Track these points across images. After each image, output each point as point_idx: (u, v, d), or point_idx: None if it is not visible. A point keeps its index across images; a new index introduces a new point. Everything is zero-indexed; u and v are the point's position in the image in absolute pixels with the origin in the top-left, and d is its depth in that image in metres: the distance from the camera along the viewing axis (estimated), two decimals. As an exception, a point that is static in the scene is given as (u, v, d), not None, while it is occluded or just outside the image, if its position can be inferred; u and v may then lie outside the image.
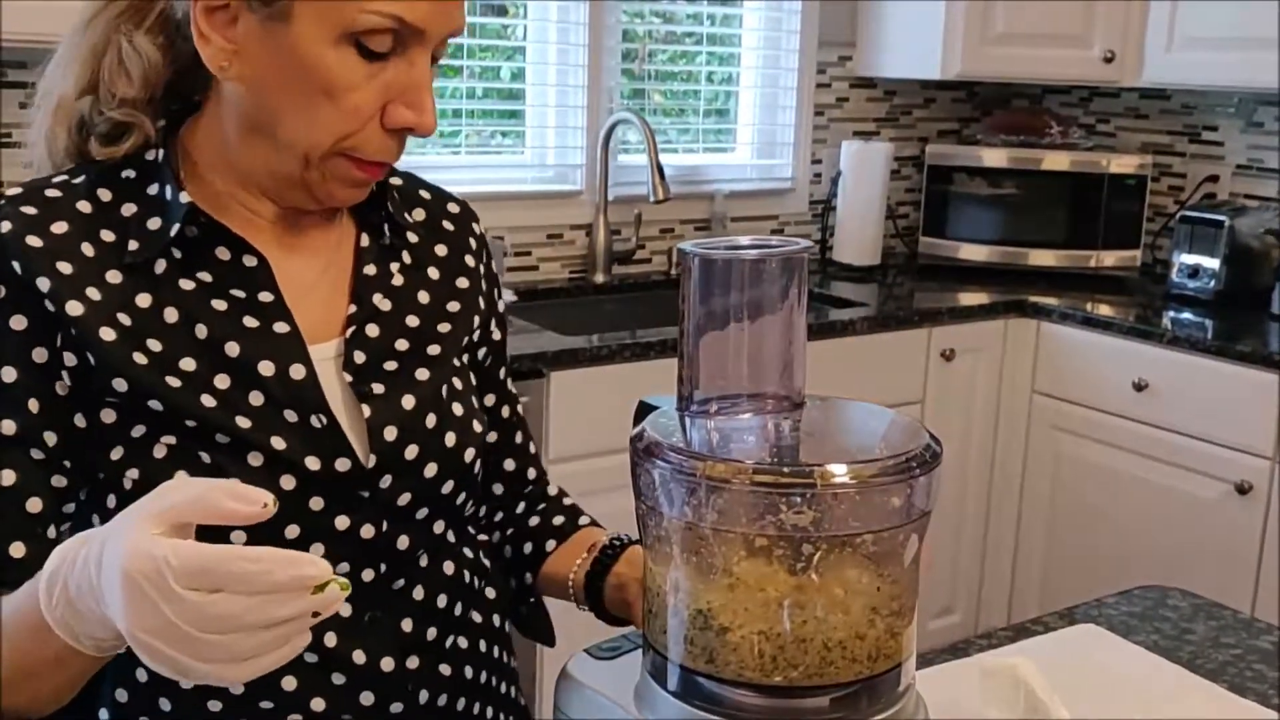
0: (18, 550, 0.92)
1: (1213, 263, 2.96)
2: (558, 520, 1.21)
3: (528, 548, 1.20)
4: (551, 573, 1.17)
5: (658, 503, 0.83)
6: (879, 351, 2.83)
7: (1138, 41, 3.06)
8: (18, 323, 0.92)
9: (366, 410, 0.99)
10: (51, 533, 0.94)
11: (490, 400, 1.17)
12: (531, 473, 1.23)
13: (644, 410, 0.94)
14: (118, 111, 0.97)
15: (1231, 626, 1.30)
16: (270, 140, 0.94)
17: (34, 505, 0.92)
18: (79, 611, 0.75)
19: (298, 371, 0.97)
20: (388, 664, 1.00)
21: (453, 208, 1.16)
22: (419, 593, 1.03)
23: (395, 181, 1.12)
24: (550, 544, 1.19)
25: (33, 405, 0.92)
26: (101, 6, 0.98)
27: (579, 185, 3.07)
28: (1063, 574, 3.02)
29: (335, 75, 0.90)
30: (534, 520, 1.21)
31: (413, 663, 1.02)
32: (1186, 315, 2.90)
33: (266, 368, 0.96)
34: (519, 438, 1.22)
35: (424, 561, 1.04)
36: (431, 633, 1.04)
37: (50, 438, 0.93)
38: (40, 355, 0.92)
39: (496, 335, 1.17)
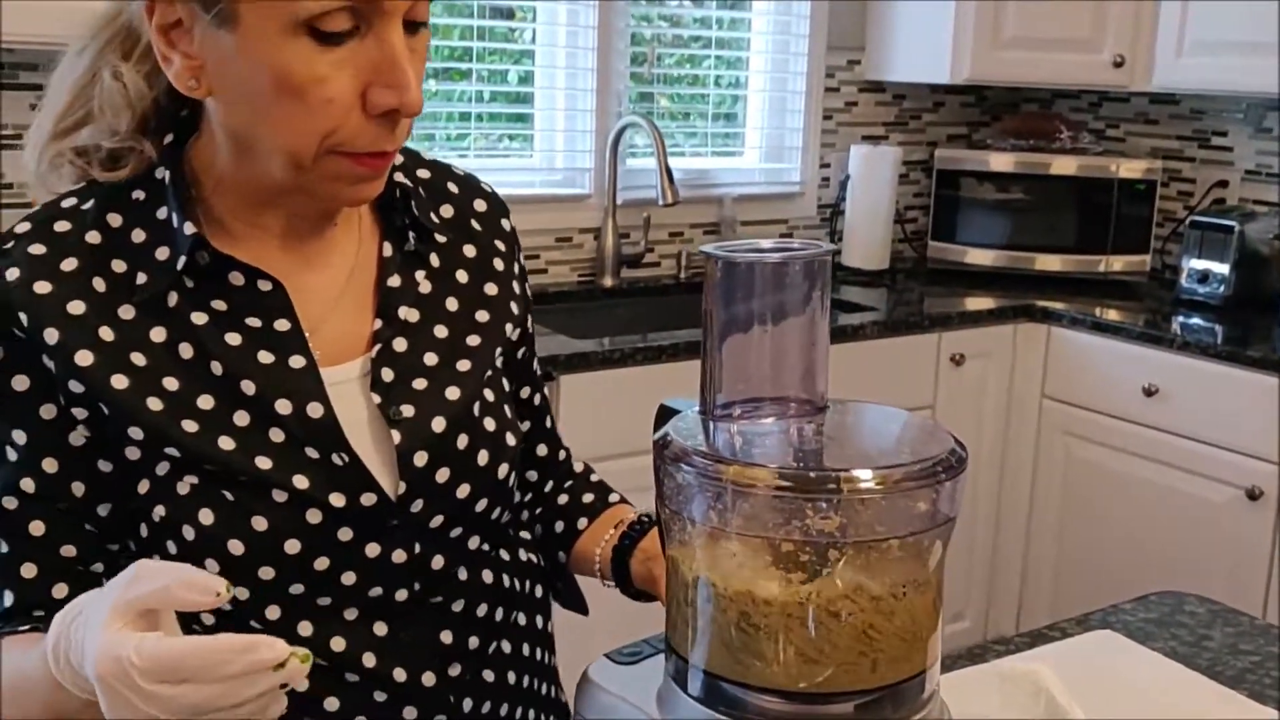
0: (60, 591, 0.92)
1: (1222, 268, 2.95)
2: (587, 498, 1.19)
3: (559, 526, 1.18)
4: (581, 550, 1.15)
5: (682, 507, 0.82)
6: (889, 356, 2.83)
7: (1147, 46, 3.06)
8: (20, 383, 0.91)
9: (396, 436, 0.96)
10: (98, 568, 0.94)
11: (525, 392, 1.15)
12: (561, 454, 1.22)
13: (665, 414, 0.94)
14: (111, 141, 0.95)
15: (1249, 633, 1.29)
16: (256, 152, 0.90)
17: (68, 550, 0.93)
18: (80, 683, 0.76)
19: (315, 410, 0.94)
20: (429, 679, 0.99)
21: (480, 205, 1.11)
22: (458, 605, 1.02)
23: (423, 175, 1.08)
24: (582, 522, 1.17)
25: (48, 465, 0.91)
26: (89, 39, 0.96)
27: (587, 189, 3.06)
28: (1073, 579, 3.01)
29: (296, 71, 0.84)
30: (563, 499, 1.19)
31: (454, 670, 1.01)
32: (1196, 320, 2.90)
33: (284, 406, 0.93)
34: (547, 421, 1.20)
35: (462, 575, 1.03)
36: (473, 641, 1.03)
37: (78, 488, 0.92)
38: (49, 412, 0.91)
39: (530, 328, 1.14)
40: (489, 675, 1.04)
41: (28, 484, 0.91)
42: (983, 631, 3.17)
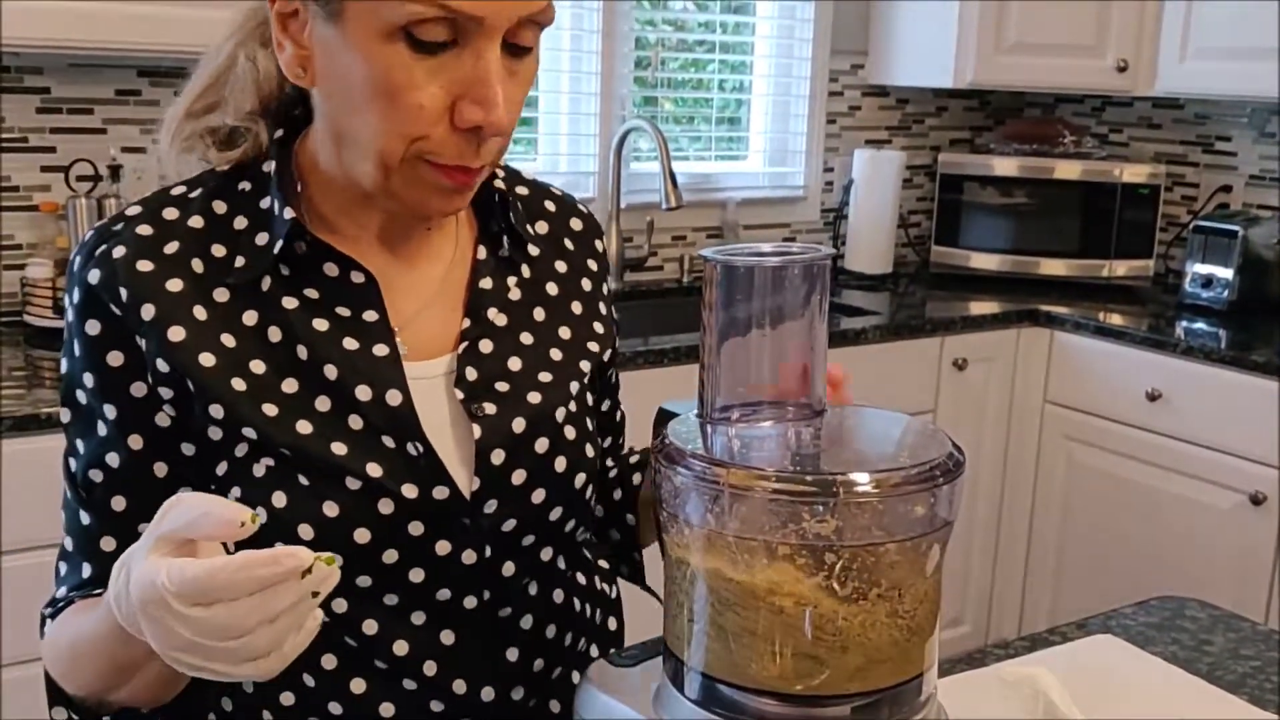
0: None
1: (1226, 273, 2.95)
2: (633, 459, 1.18)
3: (618, 494, 1.17)
4: (643, 499, 1.14)
5: (679, 510, 0.82)
6: (891, 360, 2.83)
7: (1151, 51, 3.06)
8: (114, 359, 0.92)
9: (477, 431, 0.97)
10: None
11: (606, 405, 1.17)
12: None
13: (664, 417, 0.94)
14: (234, 119, 0.98)
15: (1250, 638, 1.29)
16: (350, 149, 0.91)
17: (145, 529, 0.93)
18: (134, 624, 0.76)
19: (394, 397, 0.95)
20: (488, 694, 0.99)
21: (575, 224, 1.12)
22: (527, 622, 1.01)
23: (521, 191, 1.09)
24: (636, 477, 1.16)
25: (134, 442, 0.93)
26: (235, 28, 0.99)
27: (591, 192, 3.07)
28: (1075, 584, 3.01)
29: (390, 73, 0.85)
30: (613, 472, 1.18)
31: (517, 694, 1.01)
32: (1200, 325, 2.90)
33: (364, 392, 0.94)
34: (622, 439, 1.22)
35: (533, 590, 1.02)
36: (539, 664, 1.02)
37: (160, 468, 0.94)
38: (139, 390, 0.93)
39: (607, 358, 1.14)
40: (555, 706, 1.03)
41: (113, 459, 0.93)
42: (984, 636, 3.17)
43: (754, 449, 0.88)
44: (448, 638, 0.97)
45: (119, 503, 0.94)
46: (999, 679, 1.08)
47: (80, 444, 0.95)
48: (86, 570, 0.95)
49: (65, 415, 0.96)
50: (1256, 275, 2.96)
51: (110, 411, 0.93)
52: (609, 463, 1.19)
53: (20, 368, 2.09)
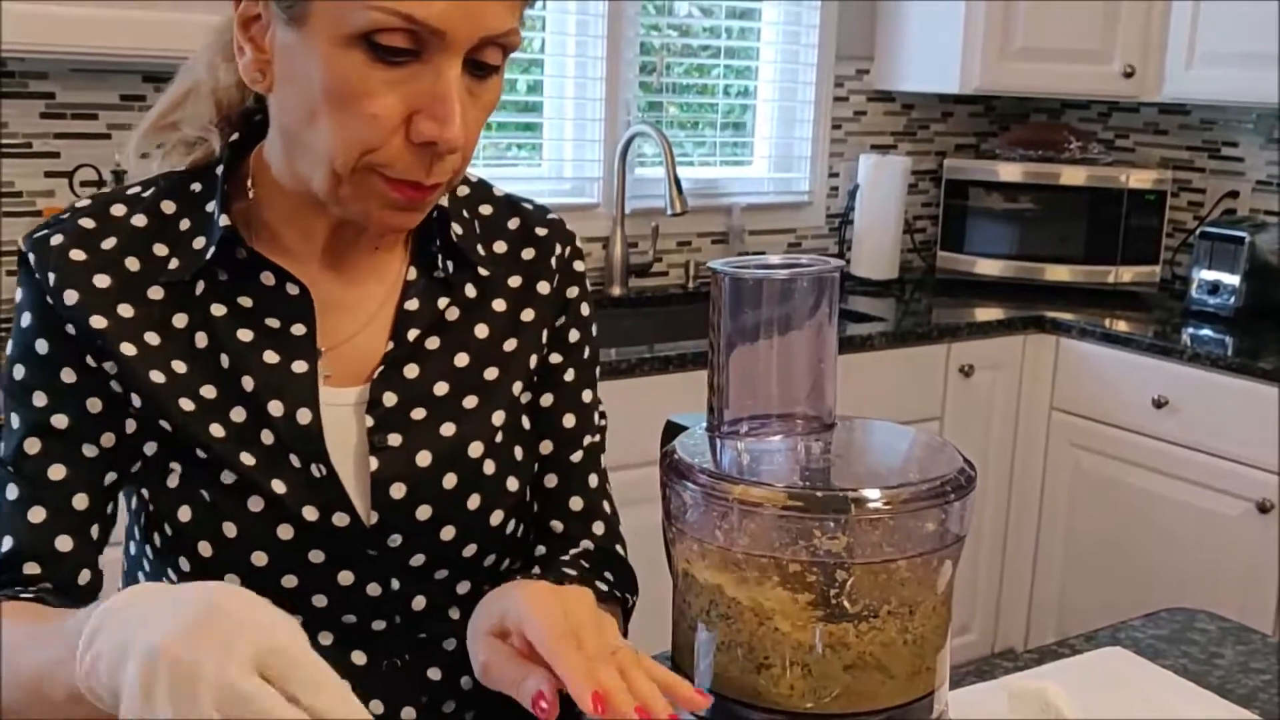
0: (64, 544, 0.92)
1: (1233, 279, 2.94)
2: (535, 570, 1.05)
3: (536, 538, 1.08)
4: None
5: (688, 525, 0.82)
6: (897, 367, 2.82)
7: (1158, 57, 3.05)
8: (69, 329, 0.93)
9: (374, 463, 0.95)
10: (95, 532, 0.94)
11: (547, 448, 1.07)
12: (575, 530, 1.07)
13: (672, 430, 0.93)
14: (196, 130, 0.98)
15: (1261, 651, 1.28)
16: (303, 154, 0.90)
17: (80, 502, 0.93)
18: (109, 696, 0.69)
19: (304, 416, 0.94)
20: (408, 713, 0.97)
21: (540, 230, 1.07)
22: (450, 644, 1.00)
23: (484, 210, 1.06)
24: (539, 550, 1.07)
25: (91, 405, 0.93)
26: (209, 42, 0.99)
27: (596, 198, 3.06)
28: (1081, 592, 3.00)
29: (349, 80, 0.84)
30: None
31: (449, 708, 0.99)
32: (1206, 331, 2.88)
33: (276, 408, 0.94)
34: (572, 500, 1.08)
35: (454, 614, 1.00)
36: (466, 681, 1.00)
37: (108, 439, 0.94)
38: (91, 361, 0.93)
39: (569, 376, 1.07)
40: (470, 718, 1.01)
41: (60, 420, 0.92)
42: (990, 644, 3.16)
43: (763, 463, 0.87)
44: (359, 658, 0.96)
45: (57, 471, 0.92)
46: (1008, 692, 1.07)
47: (15, 418, 0.93)
48: (6, 544, 0.91)
49: (1, 399, 0.95)
50: (1263, 281, 2.95)
51: (69, 376, 0.93)
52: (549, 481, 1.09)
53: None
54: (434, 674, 0.99)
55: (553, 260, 1.06)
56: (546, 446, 1.07)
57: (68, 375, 0.93)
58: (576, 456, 1.08)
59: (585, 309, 1.09)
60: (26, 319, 0.94)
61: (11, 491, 0.93)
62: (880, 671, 0.80)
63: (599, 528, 1.08)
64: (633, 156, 3.04)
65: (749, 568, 0.79)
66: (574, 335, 1.08)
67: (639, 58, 3.10)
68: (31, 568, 0.91)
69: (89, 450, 0.93)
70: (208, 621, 0.65)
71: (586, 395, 1.09)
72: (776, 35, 3.33)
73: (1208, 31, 2.92)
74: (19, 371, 0.94)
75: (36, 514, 0.92)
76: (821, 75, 3.36)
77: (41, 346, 0.93)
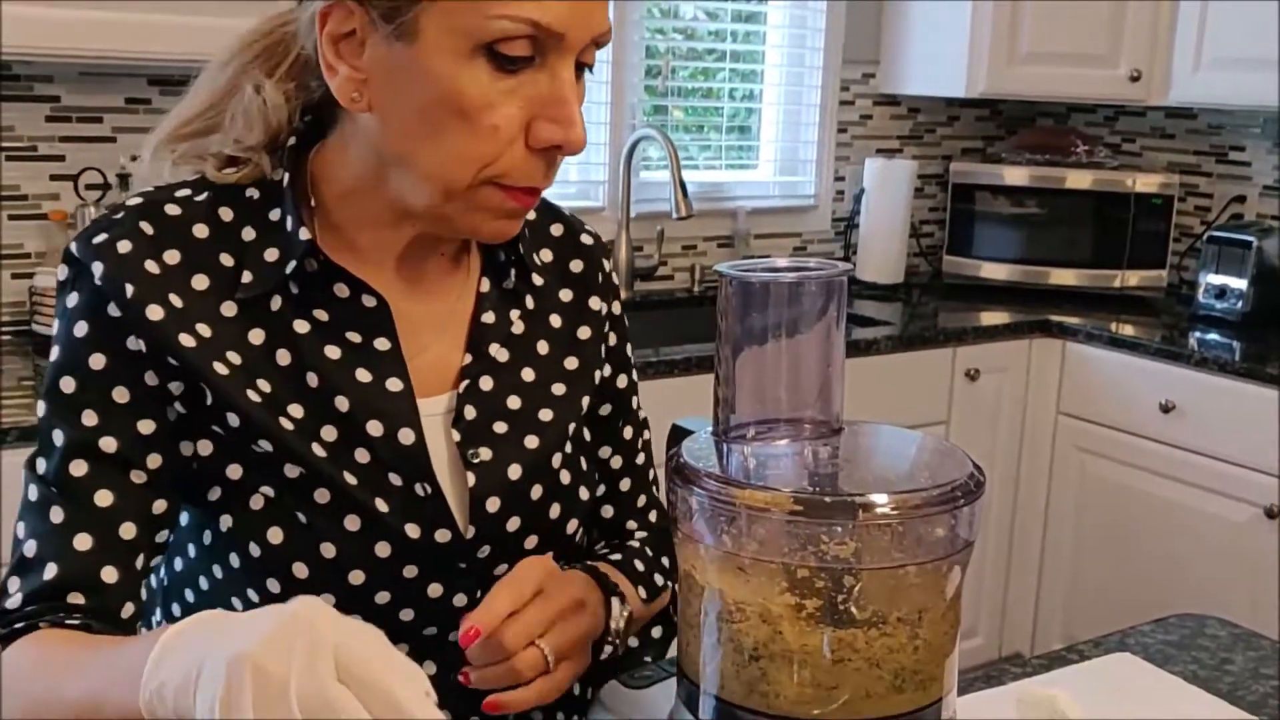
0: (110, 575, 0.88)
1: (1240, 283, 2.93)
2: (614, 557, 1.11)
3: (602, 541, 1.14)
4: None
5: (694, 530, 0.81)
6: (903, 371, 2.81)
7: (1164, 61, 3.04)
8: (134, 344, 0.88)
9: (471, 479, 0.95)
10: (140, 563, 0.90)
11: (605, 452, 1.11)
12: (631, 523, 1.14)
13: (677, 434, 0.93)
14: (233, 149, 0.94)
15: (1271, 657, 1.27)
16: (407, 173, 0.87)
17: (127, 531, 0.89)
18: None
19: (406, 436, 0.93)
20: None
21: (586, 239, 1.09)
22: None
23: (529, 216, 1.05)
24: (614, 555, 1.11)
25: (143, 426, 0.89)
26: (237, 51, 0.95)
27: (601, 202, 3.06)
28: (1088, 597, 2.99)
29: (470, 93, 0.82)
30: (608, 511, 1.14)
31: None
32: (1213, 336, 2.87)
33: (375, 427, 0.92)
34: (624, 484, 1.13)
35: None
36: None
37: (154, 460, 0.90)
38: (152, 379, 0.89)
39: (622, 383, 1.11)
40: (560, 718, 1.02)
41: (108, 443, 0.88)
42: (996, 648, 3.15)
43: (770, 468, 0.87)
44: (430, 668, 0.96)
45: (104, 498, 0.88)
46: (1016, 698, 1.07)
47: (60, 435, 0.89)
48: (49, 572, 0.87)
49: (42, 408, 0.90)
50: (1270, 286, 2.94)
51: (121, 395, 0.89)
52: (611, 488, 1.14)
53: (28, 377, 2.09)
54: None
55: (599, 276, 1.09)
56: (616, 461, 1.12)
57: (120, 395, 0.89)
58: (640, 459, 1.14)
59: (624, 317, 1.13)
60: (82, 329, 0.89)
61: (56, 515, 0.88)
62: (889, 678, 0.79)
63: (654, 515, 1.15)
64: (638, 160, 3.03)
65: (756, 573, 0.78)
66: (625, 347, 1.12)
67: (644, 61, 3.09)
68: (76, 598, 0.88)
69: (137, 476, 0.89)
70: (291, 628, 0.64)
71: (634, 401, 1.14)
72: (782, 39, 3.33)
73: (1214, 35, 2.92)
74: (68, 385, 0.89)
75: (83, 541, 0.88)
76: (827, 79, 3.35)
77: (97, 361, 0.88)
